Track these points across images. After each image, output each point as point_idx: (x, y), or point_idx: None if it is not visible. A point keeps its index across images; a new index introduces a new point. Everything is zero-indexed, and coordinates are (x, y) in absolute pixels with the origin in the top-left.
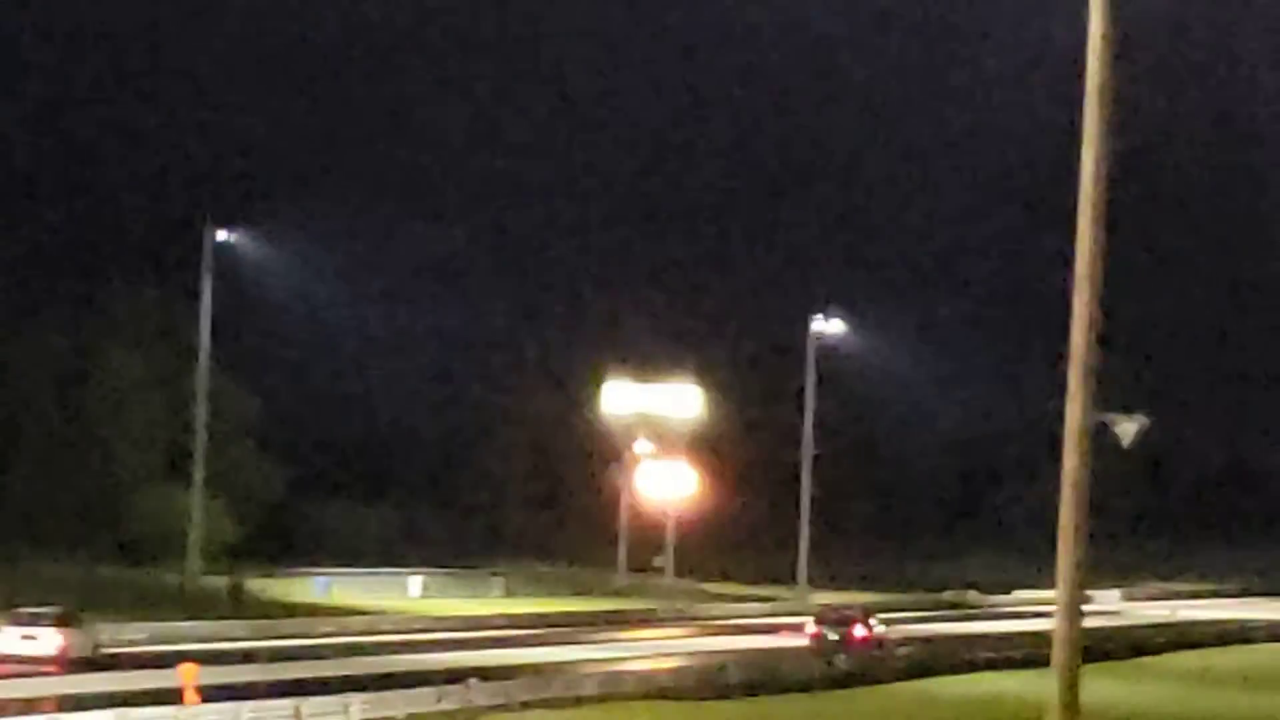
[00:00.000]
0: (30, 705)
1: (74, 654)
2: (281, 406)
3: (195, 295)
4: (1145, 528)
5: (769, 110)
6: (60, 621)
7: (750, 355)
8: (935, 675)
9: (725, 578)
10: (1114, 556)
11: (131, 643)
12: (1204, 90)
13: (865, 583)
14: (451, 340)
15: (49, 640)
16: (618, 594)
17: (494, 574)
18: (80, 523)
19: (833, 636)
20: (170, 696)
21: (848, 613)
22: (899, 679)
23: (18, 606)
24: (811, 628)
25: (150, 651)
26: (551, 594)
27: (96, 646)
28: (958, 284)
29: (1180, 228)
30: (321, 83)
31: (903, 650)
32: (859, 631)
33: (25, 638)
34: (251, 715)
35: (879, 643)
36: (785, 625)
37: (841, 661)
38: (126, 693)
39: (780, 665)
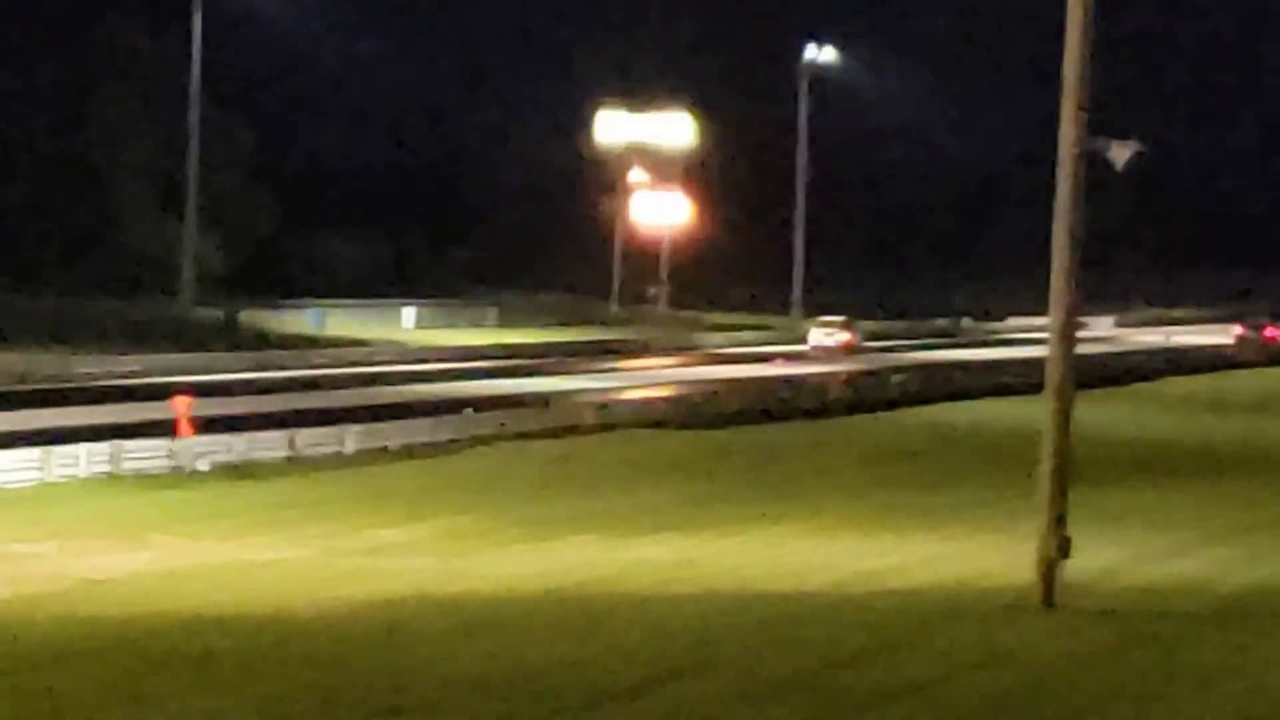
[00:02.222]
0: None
1: (853, 345)
2: (273, 140)
3: (189, 31)
4: (1139, 253)
5: None
6: (844, 326)
7: (744, 83)
8: (931, 403)
9: (720, 307)
10: (1108, 283)
11: (125, 375)
12: None
13: (861, 311)
14: (444, 70)
15: (839, 337)
16: (613, 324)
17: (488, 305)
18: (73, 255)
19: (1251, 335)
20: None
21: (1261, 321)
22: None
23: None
24: (1237, 330)
25: (146, 384)
26: (546, 325)
27: (865, 338)
28: (955, 7)
29: None
30: None
31: (897, 378)
32: (1269, 332)
33: (826, 335)
34: (246, 446)
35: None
36: (779, 354)
37: (1258, 350)
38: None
39: (777, 392)
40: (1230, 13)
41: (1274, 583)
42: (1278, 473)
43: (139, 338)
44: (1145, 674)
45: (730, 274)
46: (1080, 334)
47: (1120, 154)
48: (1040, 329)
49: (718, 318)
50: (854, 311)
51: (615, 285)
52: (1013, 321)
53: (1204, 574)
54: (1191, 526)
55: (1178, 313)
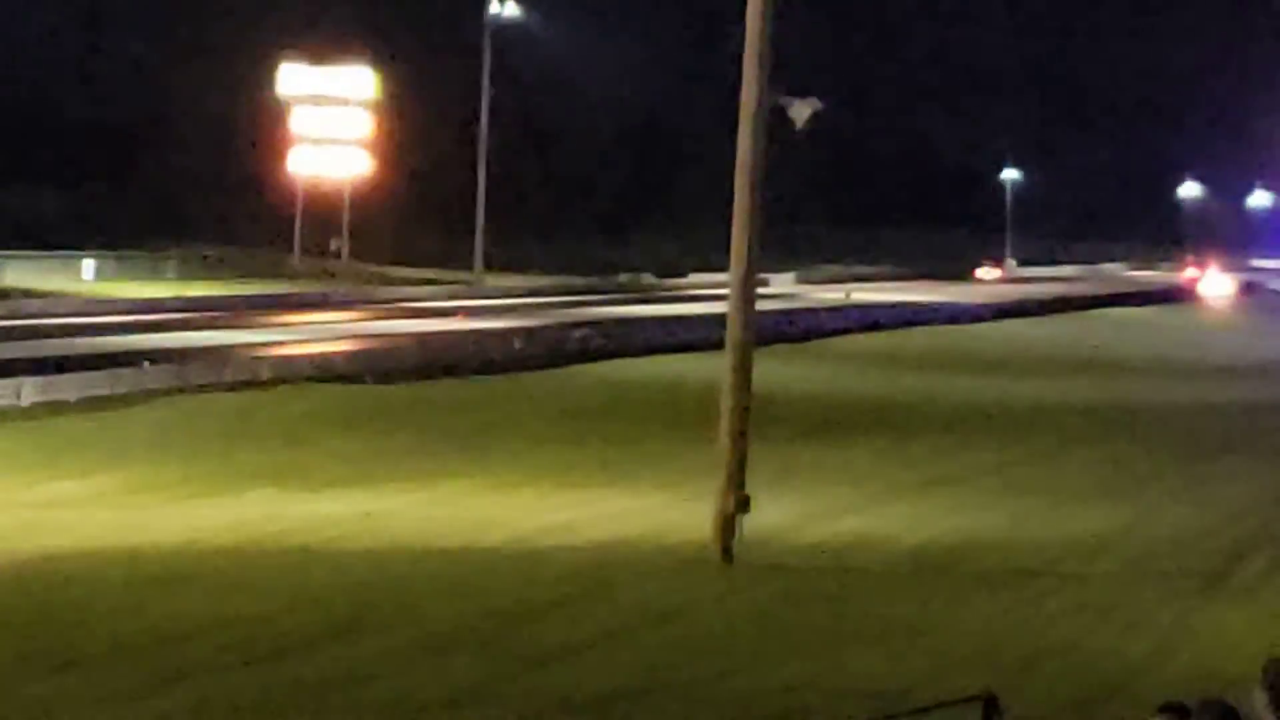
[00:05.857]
0: None
1: (1006, 276)
2: None
3: None
4: (825, 210)
5: None
6: (997, 263)
7: (427, 37)
8: (612, 358)
9: (403, 262)
10: (792, 239)
11: None
12: None
13: (543, 267)
14: (129, 21)
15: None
16: (294, 277)
17: (169, 258)
18: None
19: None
20: None
21: (1205, 262)
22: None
23: None
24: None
25: None
26: (227, 278)
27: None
28: None
29: None
30: None
31: (579, 333)
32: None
33: (988, 271)
34: None
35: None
36: (462, 309)
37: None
38: None
39: (459, 347)
40: None
41: (948, 539)
42: (955, 429)
43: None
44: (817, 628)
45: (414, 228)
46: (761, 290)
47: (800, 112)
48: (722, 285)
49: (401, 271)
50: (541, 267)
51: (297, 238)
52: (695, 278)
53: (882, 530)
54: (871, 482)
55: (861, 269)
